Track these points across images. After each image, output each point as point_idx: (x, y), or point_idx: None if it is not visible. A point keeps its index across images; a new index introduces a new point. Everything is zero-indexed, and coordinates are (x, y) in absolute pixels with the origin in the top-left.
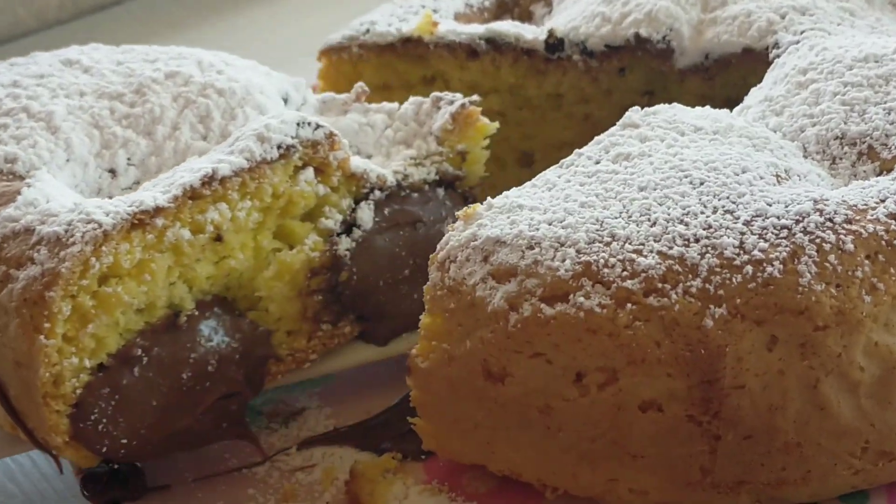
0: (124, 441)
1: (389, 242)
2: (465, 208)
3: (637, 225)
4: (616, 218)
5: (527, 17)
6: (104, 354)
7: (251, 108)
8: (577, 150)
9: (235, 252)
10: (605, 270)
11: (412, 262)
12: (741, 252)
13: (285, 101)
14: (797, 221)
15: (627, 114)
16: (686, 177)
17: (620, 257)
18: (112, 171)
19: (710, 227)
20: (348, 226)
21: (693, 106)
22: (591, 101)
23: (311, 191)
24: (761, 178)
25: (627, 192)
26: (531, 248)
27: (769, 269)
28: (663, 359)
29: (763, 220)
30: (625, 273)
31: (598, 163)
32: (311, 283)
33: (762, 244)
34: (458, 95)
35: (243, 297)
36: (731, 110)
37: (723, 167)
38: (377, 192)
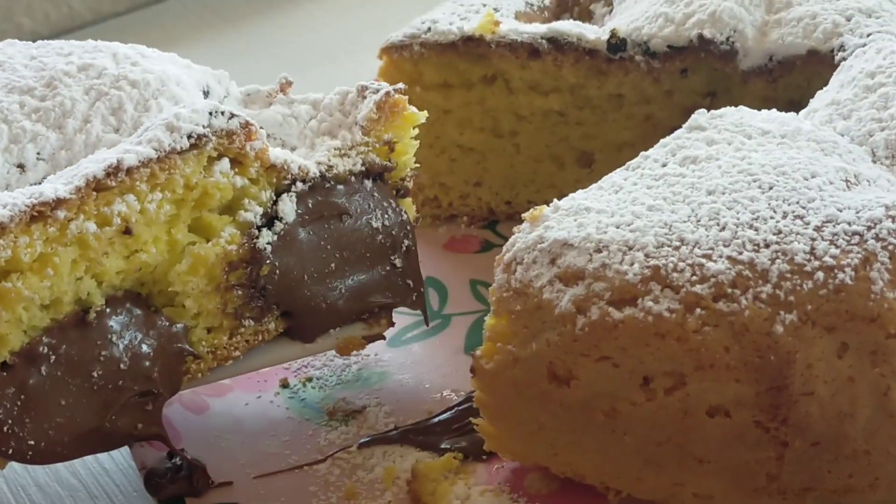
0: (31, 443)
1: (314, 235)
2: (531, 210)
3: (706, 229)
4: (685, 222)
5: (587, 16)
6: (6, 352)
7: (166, 99)
8: (642, 153)
9: (147, 246)
10: (675, 275)
11: (338, 256)
12: (812, 258)
13: (206, 93)
14: (869, 228)
15: (693, 116)
16: (755, 181)
17: (690, 262)
18: (21, 166)
19: (780, 232)
20: (270, 219)
21: (756, 108)
22: (653, 102)
23: (227, 182)
24: (831, 182)
25: (695, 196)
26: (599, 251)
27: (840, 275)
28: (732, 364)
29: (834, 225)
30: (694, 278)
31: (664, 165)
32: (230, 278)
33: (833, 250)
34: (385, 84)
35: (159, 293)
36: (797, 113)
37: (791, 171)
38: (299, 184)
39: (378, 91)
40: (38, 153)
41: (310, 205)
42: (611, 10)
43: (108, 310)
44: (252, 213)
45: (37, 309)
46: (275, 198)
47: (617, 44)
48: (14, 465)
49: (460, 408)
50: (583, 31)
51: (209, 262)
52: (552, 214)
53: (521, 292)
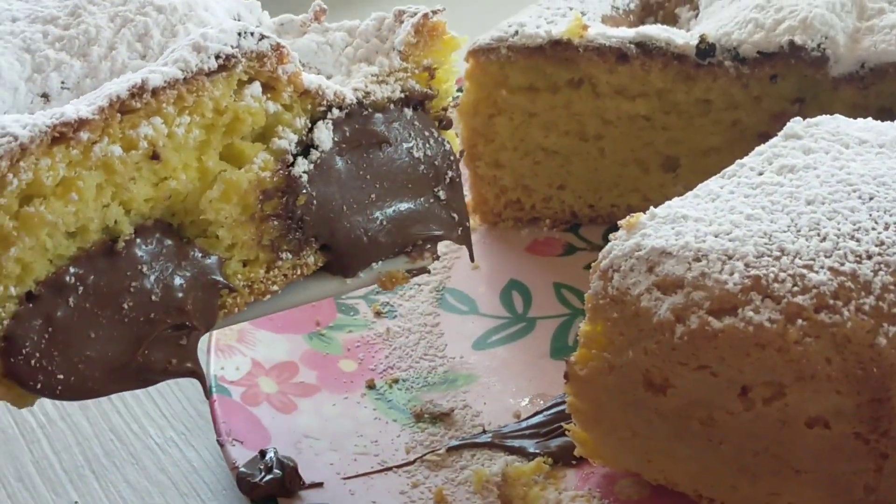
0: (60, 377)
1: (352, 164)
2: (627, 217)
3: (806, 240)
4: (784, 232)
5: (671, 19)
6: (32, 282)
7: (193, 24)
8: (738, 161)
9: (176, 172)
10: (775, 285)
11: (378, 186)
12: None
13: (236, 21)
14: None
15: (789, 125)
16: (854, 191)
17: (790, 272)
18: (45, 96)
19: (882, 243)
20: (306, 147)
21: (845, 115)
22: (740, 108)
23: (259, 108)
24: None
25: (794, 206)
26: (698, 259)
27: None
28: (833, 376)
29: None
30: (795, 288)
31: (761, 174)
32: (265, 208)
33: None
34: (422, 6)
35: (191, 223)
36: (893, 121)
37: (892, 182)
38: (336, 111)
39: (416, 14)
40: (63, 82)
41: (347, 133)
42: (696, 14)
43: (137, 239)
44: (286, 140)
45: (62, 236)
46: (310, 125)
47: (706, 49)
48: (103, 460)
49: (549, 412)
50: (671, 36)
51: (241, 188)
52: (649, 222)
53: (617, 300)
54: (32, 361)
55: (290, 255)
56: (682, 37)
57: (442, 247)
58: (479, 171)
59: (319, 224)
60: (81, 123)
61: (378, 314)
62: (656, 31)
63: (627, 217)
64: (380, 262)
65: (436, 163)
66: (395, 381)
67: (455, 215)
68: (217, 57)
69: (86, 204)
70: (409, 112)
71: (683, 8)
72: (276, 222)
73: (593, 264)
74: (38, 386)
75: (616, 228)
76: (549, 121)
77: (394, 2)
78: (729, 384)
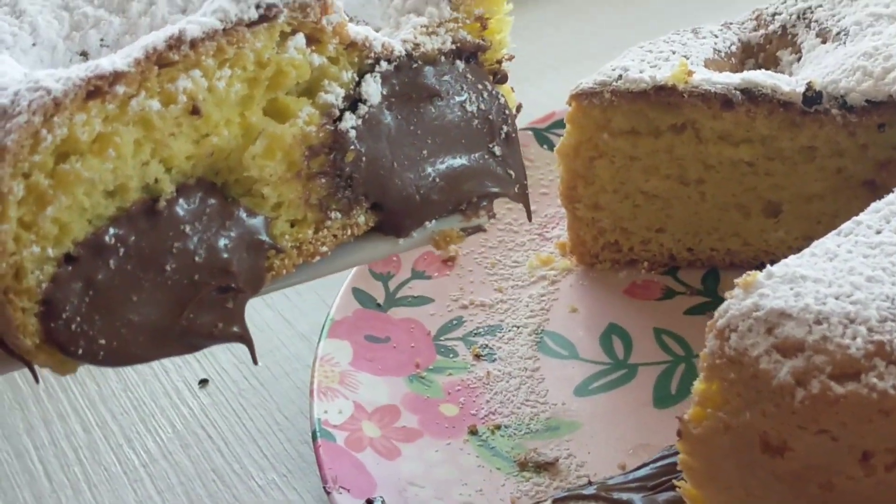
0: (102, 342)
1: (402, 119)
2: (744, 276)
3: None
4: None
5: (772, 62)
6: (70, 243)
7: None
8: (854, 218)
9: (218, 128)
10: None
11: (430, 142)
12: None
13: None
14: None
15: None
16: None
17: None
18: (84, 54)
19: None
20: (353, 102)
21: None
22: (846, 155)
23: (303, 60)
24: None
25: None
26: (819, 323)
27: None
28: None
29: None
30: None
31: (879, 233)
32: (312, 165)
33: None
34: None
35: (235, 182)
36: None
37: None
38: (384, 64)
39: None
40: (102, 39)
41: (396, 86)
42: (799, 58)
43: (179, 198)
44: (333, 94)
45: (100, 195)
46: (357, 79)
47: (813, 97)
48: (207, 501)
49: (656, 465)
50: (777, 83)
51: (286, 143)
52: (766, 281)
53: (735, 360)
54: (73, 326)
55: (339, 215)
56: (788, 83)
57: (538, 288)
58: (577, 212)
59: (369, 182)
60: (117, 76)
61: (477, 357)
62: (762, 77)
63: (744, 276)
64: (433, 222)
65: (490, 117)
66: (498, 427)
67: (511, 172)
68: (257, 7)
69: (124, 161)
70: (461, 64)
71: (785, 51)
72: (323, 180)
73: (709, 323)
74: (80, 351)
75: (715, 272)
76: (651, 165)
77: None
78: (850, 449)
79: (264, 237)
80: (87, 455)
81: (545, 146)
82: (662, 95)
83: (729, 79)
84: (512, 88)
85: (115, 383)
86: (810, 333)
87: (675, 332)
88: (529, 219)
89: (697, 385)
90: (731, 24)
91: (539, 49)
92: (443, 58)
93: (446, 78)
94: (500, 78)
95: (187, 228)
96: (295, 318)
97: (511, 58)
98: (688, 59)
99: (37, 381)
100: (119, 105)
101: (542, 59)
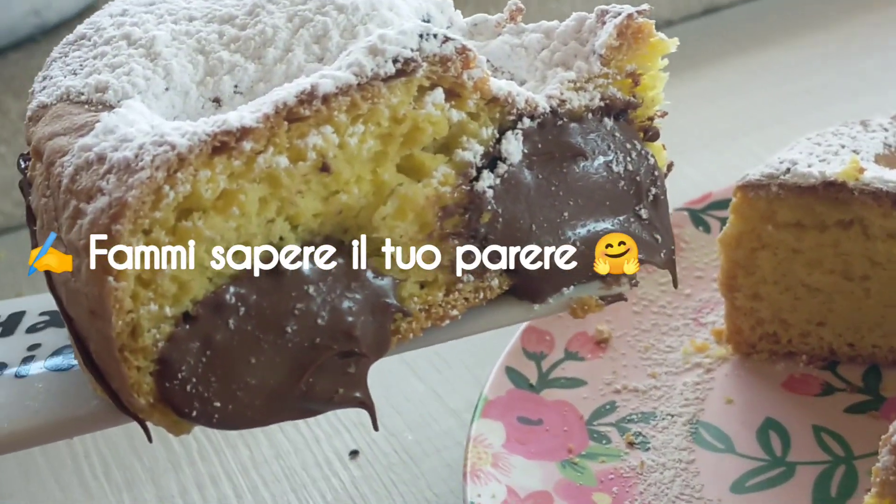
0: (217, 405)
1: (542, 179)
2: None
3: None
4: None
5: None
6: (189, 301)
7: (375, 25)
8: None
9: (348, 186)
10: None
11: (571, 203)
12: None
13: (426, 22)
14: None
15: None
16: None
17: None
18: (217, 101)
19: None
20: (492, 160)
21: None
22: None
23: (440, 116)
24: None
25: None
26: None
27: None
28: None
29: None
30: None
31: None
32: (445, 225)
33: None
34: (627, 6)
35: (370, 240)
36: None
37: None
38: (526, 121)
39: (619, 14)
40: (236, 86)
41: (538, 144)
42: None
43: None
44: (471, 152)
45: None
46: (498, 136)
47: None
48: None
49: None
50: None
51: (418, 204)
52: None
53: None
54: (188, 387)
55: (472, 278)
56: None
57: (692, 375)
58: (736, 302)
59: (505, 244)
60: (245, 132)
61: (631, 444)
62: None
63: None
64: (571, 288)
65: (637, 178)
66: None
67: (658, 236)
68: (395, 61)
69: (248, 219)
70: (608, 122)
71: None
72: (456, 241)
73: (883, 437)
74: (194, 413)
75: (877, 370)
76: (815, 258)
77: (595, 1)
78: None
79: (391, 300)
80: None
81: (700, 228)
82: (831, 191)
83: None
84: (663, 146)
85: (267, 449)
86: None
87: (834, 430)
88: (675, 285)
89: (868, 499)
90: None
91: (694, 123)
92: (590, 115)
93: (592, 136)
94: (652, 135)
95: (311, 289)
96: (446, 392)
97: (664, 114)
98: (857, 153)
99: (149, 439)
100: (245, 161)
101: (697, 134)
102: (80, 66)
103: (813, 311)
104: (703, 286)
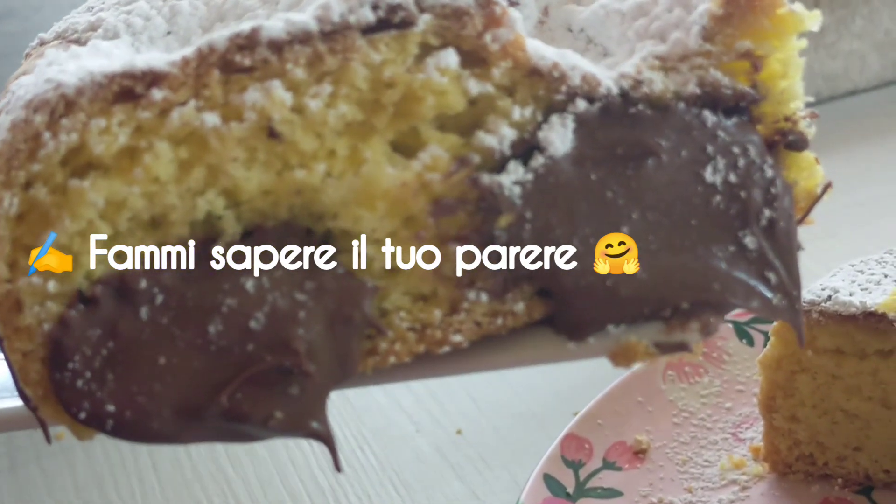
0: (111, 409)
1: (597, 181)
2: None
3: None
4: None
5: None
6: (82, 278)
7: None
8: None
9: (311, 160)
10: None
11: (636, 217)
12: None
13: None
14: None
15: None
16: None
17: None
18: None
19: None
20: (528, 148)
21: None
22: None
23: (447, 85)
24: None
25: None
26: None
27: None
28: None
29: None
30: None
31: None
32: (443, 224)
33: None
34: None
35: (343, 233)
36: None
37: None
38: (581, 103)
39: None
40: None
41: (596, 135)
42: None
43: (245, 243)
44: (496, 136)
45: (138, 227)
46: (541, 119)
47: None
48: None
49: None
50: None
51: (390, 191)
52: None
53: None
54: (79, 382)
55: (485, 297)
56: None
57: (728, 493)
58: (774, 422)
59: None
60: (155, 77)
61: None
62: None
63: None
64: (620, 326)
65: (742, 194)
66: None
67: (771, 276)
68: (374, 7)
69: (162, 186)
70: (710, 117)
71: None
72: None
73: None
74: (82, 415)
75: None
76: (853, 385)
77: None
78: None
79: (360, 311)
80: None
81: (744, 340)
82: (871, 321)
83: None
84: (817, 159)
85: None
86: None
87: None
88: (801, 343)
89: None
90: None
91: None
92: (680, 104)
93: (680, 132)
94: (792, 142)
95: (248, 283)
96: (485, 494)
97: (814, 115)
98: None
99: (48, 441)
100: (157, 114)
101: None
102: (102, 1)
103: (850, 435)
104: (745, 400)
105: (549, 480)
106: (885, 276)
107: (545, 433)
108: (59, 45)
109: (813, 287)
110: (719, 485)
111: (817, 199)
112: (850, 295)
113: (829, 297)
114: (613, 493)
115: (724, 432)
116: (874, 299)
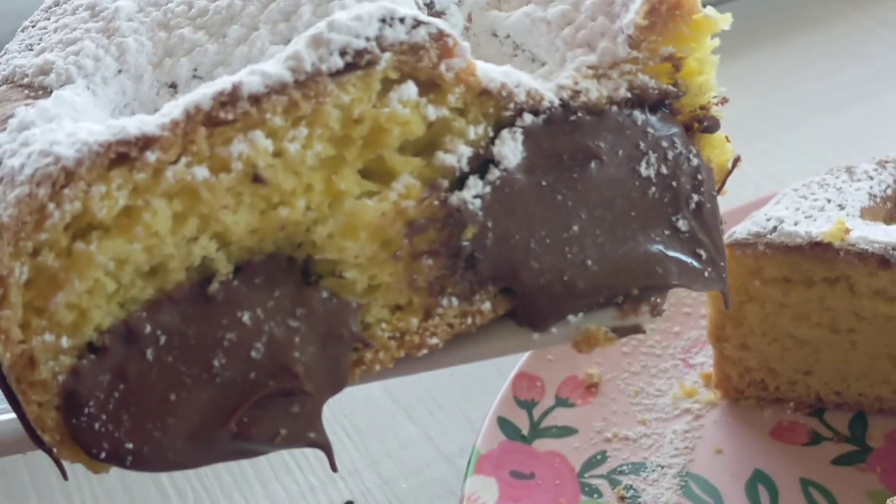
0: (130, 446)
1: (547, 187)
2: None
3: None
4: None
5: None
6: (92, 331)
7: (355, 0)
8: None
9: (292, 198)
10: None
11: (584, 215)
12: None
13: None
14: None
15: None
16: None
17: None
18: (173, 86)
19: None
20: (484, 163)
21: None
22: None
23: (410, 115)
24: None
25: None
26: None
27: None
28: None
29: None
30: None
31: None
32: (416, 243)
33: None
34: None
35: (323, 260)
36: None
37: None
38: (528, 117)
39: None
40: (195, 69)
41: (543, 145)
42: None
43: (235, 281)
44: (454, 155)
45: (133, 277)
46: (493, 135)
47: None
48: None
49: None
50: None
51: (370, 222)
52: None
53: None
54: (97, 425)
55: (456, 301)
56: None
57: (682, 423)
58: (724, 351)
59: (498, 263)
60: (148, 141)
61: (622, 499)
62: None
63: None
64: (579, 315)
65: (673, 184)
66: None
67: (702, 252)
68: (342, 53)
69: (161, 239)
70: (640, 116)
71: None
72: (430, 261)
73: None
74: (103, 455)
75: (863, 417)
76: (801, 312)
77: None
78: None
79: (347, 328)
80: None
81: None
82: (817, 251)
83: (888, 237)
84: (727, 137)
85: (263, 499)
86: None
87: (822, 484)
88: (727, 307)
89: None
90: (886, 162)
91: None
92: (614, 108)
93: (615, 134)
94: (708, 126)
95: (245, 316)
96: (438, 436)
97: (723, 101)
98: (843, 208)
99: (65, 477)
100: (152, 174)
101: None
102: (39, 39)
103: (800, 360)
104: (692, 323)
105: (503, 423)
106: (829, 200)
107: (495, 368)
108: (19, 95)
109: (757, 217)
110: (672, 415)
111: (729, 172)
112: (795, 224)
113: (775, 227)
114: (568, 430)
115: (673, 359)
116: (819, 228)
